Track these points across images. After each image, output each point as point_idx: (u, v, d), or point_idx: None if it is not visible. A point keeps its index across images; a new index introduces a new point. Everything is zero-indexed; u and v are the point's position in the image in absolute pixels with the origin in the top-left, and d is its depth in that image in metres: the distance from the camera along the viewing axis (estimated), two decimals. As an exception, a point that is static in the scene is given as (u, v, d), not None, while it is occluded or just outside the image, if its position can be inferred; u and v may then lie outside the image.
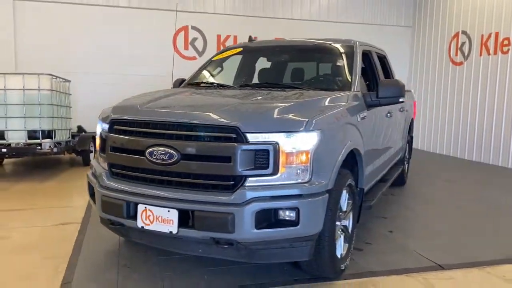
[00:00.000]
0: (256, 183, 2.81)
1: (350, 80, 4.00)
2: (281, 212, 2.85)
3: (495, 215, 5.32)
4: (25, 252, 3.84)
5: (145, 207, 2.96)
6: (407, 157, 6.89)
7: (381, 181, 4.97)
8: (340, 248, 3.39)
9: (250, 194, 2.76)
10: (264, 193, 2.79)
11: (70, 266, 3.50)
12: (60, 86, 7.68)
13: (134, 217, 3.01)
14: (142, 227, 2.98)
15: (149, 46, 10.13)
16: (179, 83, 4.75)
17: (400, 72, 11.67)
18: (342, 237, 3.44)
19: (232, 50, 4.89)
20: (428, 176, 7.77)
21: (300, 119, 2.91)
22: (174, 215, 2.86)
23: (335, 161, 3.04)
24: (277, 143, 2.79)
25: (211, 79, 4.46)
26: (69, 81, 8.16)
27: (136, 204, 3.00)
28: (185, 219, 2.85)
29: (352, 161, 3.66)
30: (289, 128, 2.85)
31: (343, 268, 3.35)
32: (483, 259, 3.79)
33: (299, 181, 2.85)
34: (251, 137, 2.78)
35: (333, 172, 3.01)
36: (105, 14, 9.91)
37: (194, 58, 10.59)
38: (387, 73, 5.87)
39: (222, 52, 4.91)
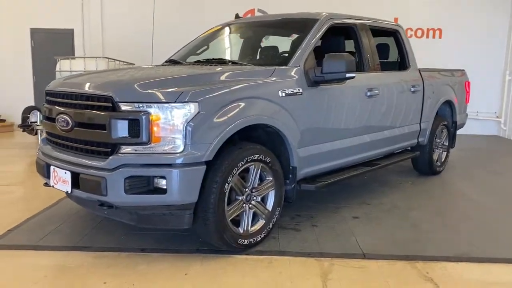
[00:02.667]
0: (130, 151, 2.96)
1: (291, 56, 3.83)
2: (155, 180, 2.97)
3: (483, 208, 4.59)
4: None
5: (54, 168, 3.33)
6: (444, 144, 6.21)
7: (366, 164, 4.64)
8: (246, 223, 3.36)
9: (121, 160, 2.93)
10: (135, 160, 2.93)
11: (30, 218, 4.07)
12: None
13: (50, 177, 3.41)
14: (53, 186, 3.36)
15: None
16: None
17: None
18: (251, 212, 3.40)
19: (214, 28, 4.99)
20: (481, 167, 6.87)
21: (174, 90, 2.97)
22: (68, 176, 3.18)
23: (217, 134, 3.02)
24: (149, 114, 2.90)
25: (183, 57, 4.63)
26: (132, 64, 8.99)
27: (49, 166, 3.39)
28: (76, 180, 3.14)
29: (277, 138, 3.55)
30: (161, 99, 2.93)
31: (245, 243, 3.32)
32: (418, 254, 3.38)
33: (172, 151, 2.93)
34: (124, 106, 2.94)
35: (213, 145, 3.00)
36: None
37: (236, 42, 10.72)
38: (400, 50, 5.37)
39: (207, 31, 5.05)
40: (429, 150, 5.83)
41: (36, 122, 7.41)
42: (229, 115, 3.12)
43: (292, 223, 4.00)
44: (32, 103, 10.43)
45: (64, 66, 8.06)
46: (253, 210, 3.41)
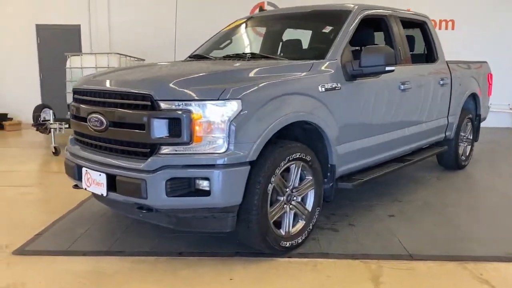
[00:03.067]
0: (170, 152, 2.82)
1: (327, 49, 3.68)
2: (197, 182, 2.83)
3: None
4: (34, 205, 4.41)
5: (86, 170, 3.18)
6: (469, 138, 6.08)
7: (398, 160, 4.51)
8: (287, 225, 3.23)
9: (161, 162, 2.78)
10: (176, 161, 2.79)
11: (57, 220, 3.93)
12: (132, 64, 8.37)
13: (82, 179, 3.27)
14: (85, 188, 3.22)
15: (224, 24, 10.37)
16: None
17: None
18: (292, 213, 3.26)
19: (237, 21, 4.84)
20: (503, 160, 6.75)
21: (216, 87, 2.82)
22: (103, 178, 3.03)
23: (260, 133, 2.88)
24: (190, 112, 2.76)
25: (207, 51, 4.47)
26: (143, 59, 8.83)
27: (81, 167, 3.24)
28: (112, 183, 2.99)
29: (317, 135, 3.42)
30: (203, 97, 2.78)
31: (287, 245, 3.19)
32: (466, 254, 3.26)
33: (214, 151, 2.79)
34: (164, 105, 2.79)
35: (257, 144, 2.86)
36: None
37: (261, 34, 10.55)
38: (428, 42, 5.23)
39: (230, 25, 4.89)
40: (455, 144, 5.70)
41: (49, 120, 7.25)
42: (272, 112, 2.98)
43: (329, 222, 3.87)
44: (39, 101, 10.27)
45: (75, 63, 7.90)
46: (294, 210, 3.28)
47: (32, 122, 7.79)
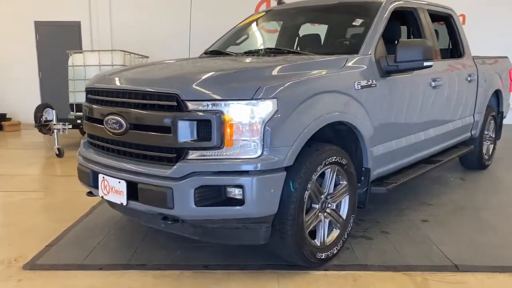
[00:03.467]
0: (198, 157, 2.55)
1: (360, 43, 3.41)
2: (228, 190, 2.57)
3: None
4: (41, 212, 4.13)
5: (103, 177, 2.91)
6: (491, 136, 5.84)
7: (427, 162, 4.26)
8: (322, 234, 2.97)
9: (190, 168, 2.52)
10: (206, 167, 2.53)
11: (68, 229, 3.66)
12: (136, 62, 8.07)
13: (98, 186, 2.99)
14: (102, 196, 2.95)
15: (229, 19, 10.08)
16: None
17: None
18: (327, 222, 3.01)
19: (255, 16, 4.57)
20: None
21: (250, 86, 2.55)
22: (123, 186, 2.77)
23: (297, 135, 2.62)
24: (221, 113, 2.49)
25: (223, 47, 4.20)
26: (146, 57, 8.53)
27: (97, 174, 2.97)
28: (133, 191, 2.73)
29: (350, 136, 3.17)
30: (235, 96, 2.52)
31: (323, 257, 2.93)
32: (516, 264, 3.02)
33: (247, 156, 2.52)
34: (192, 105, 2.52)
35: (293, 147, 2.60)
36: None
37: (275, 30, 10.26)
38: (454, 36, 4.97)
39: (247, 19, 4.62)
40: (480, 143, 5.46)
41: (52, 120, 6.96)
42: (308, 113, 2.72)
43: (360, 230, 3.62)
44: (39, 101, 9.97)
45: (77, 61, 7.59)
46: (329, 219, 3.02)
47: (33, 122, 7.50)
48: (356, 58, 3.26)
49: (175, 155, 2.58)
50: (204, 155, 2.54)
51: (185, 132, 2.52)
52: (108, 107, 2.89)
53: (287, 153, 2.58)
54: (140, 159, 2.75)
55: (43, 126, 6.97)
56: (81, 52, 7.77)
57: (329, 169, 2.94)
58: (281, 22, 4.60)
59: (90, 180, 3.05)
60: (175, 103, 2.54)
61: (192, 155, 2.55)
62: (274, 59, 3.23)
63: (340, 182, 3.09)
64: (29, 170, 5.96)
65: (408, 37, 4.23)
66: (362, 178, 3.30)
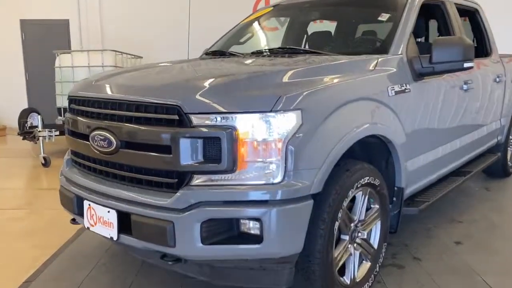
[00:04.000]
0: (205, 182, 2.06)
1: (389, 41, 2.94)
2: (242, 223, 2.09)
3: None
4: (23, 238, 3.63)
5: (89, 204, 2.42)
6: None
7: (454, 174, 3.80)
8: (352, 270, 2.50)
9: (195, 197, 2.03)
10: (215, 196, 2.04)
11: (52, 258, 3.16)
12: (128, 63, 7.56)
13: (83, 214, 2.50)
14: (88, 228, 2.45)
15: (226, 16, 9.58)
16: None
17: None
18: (357, 254, 2.54)
19: (260, 12, 4.08)
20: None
21: (268, 94, 2.07)
22: (113, 217, 2.27)
23: (326, 154, 2.14)
24: (234, 129, 2.01)
25: (226, 47, 3.70)
26: (140, 57, 8.02)
27: (82, 200, 2.48)
28: (125, 223, 2.24)
29: (380, 151, 2.70)
30: (251, 108, 2.03)
31: (354, 296, 2.46)
32: None
33: (266, 181, 2.04)
34: (197, 119, 2.03)
35: (322, 170, 2.12)
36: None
37: (275, 28, 9.76)
38: (480, 33, 4.51)
39: (251, 15, 4.13)
40: (504, 149, 5.01)
41: (37, 127, 6.43)
42: (339, 126, 2.24)
43: (388, 255, 3.13)
44: (26, 104, 9.43)
45: (65, 61, 7.06)
46: (359, 250, 2.55)
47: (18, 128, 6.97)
48: (387, 59, 2.78)
49: (177, 180, 2.09)
50: (212, 181, 2.06)
51: (188, 152, 2.03)
52: (95, 120, 2.39)
53: (314, 177, 2.09)
54: (133, 184, 2.26)
55: (27, 134, 6.44)
56: (68, 52, 7.24)
57: (361, 192, 2.47)
58: (291, 18, 4.11)
59: (74, 206, 2.55)
60: (176, 117, 2.05)
61: (198, 180, 2.06)
62: (292, 60, 2.74)
63: (371, 206, 2.62)
64: (11, 183, 5.43)
65: (441, 34, 3.75)
66: (394, 199, 2.83)
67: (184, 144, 2.02)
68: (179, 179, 2.09)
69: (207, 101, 2.06)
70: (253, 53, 3.30)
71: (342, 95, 2.30)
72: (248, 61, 2.93)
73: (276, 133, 2.03)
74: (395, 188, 2.82)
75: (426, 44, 3.49)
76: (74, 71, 6.97)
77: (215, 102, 2.05)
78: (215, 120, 2.02)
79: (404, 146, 2.75)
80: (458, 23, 3.79)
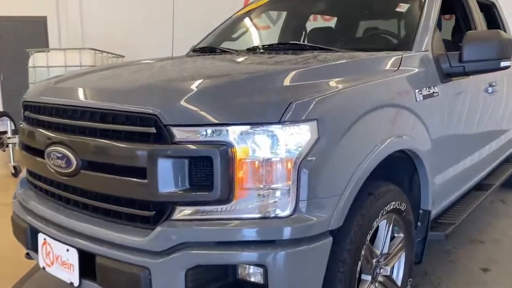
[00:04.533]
0: (192, 216, 1.57)
1: (412, 35, 2.47)
2: (241, 271, 1.60)
3: None
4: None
5: (45, 239, 1.91)
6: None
7: (475, 188, 3.35)
8: (374, 316, 2.02)
9: (179, 236, 1.55)
10: (204, 234, 1.56)
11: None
12: (109, 62, 7.02)
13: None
14: (44, 267, 1.94)
15: (215, 14, 9.07)
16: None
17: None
18: (379, 295, 2.06)
19: (256, 3, 3.60)
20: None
21: (274, 101, 1.59)
22: (74, 257, 1.77)
23: (349, 176, 1.67)
24: (230, 145, 1.52)
25: (217, 43, 3.20)
26: (122, 56, 7.48)
27: (36, 232, 1.97)
28: (89, 266, 1.73)
29: (404, 167, 2.23)
30: (252, 118, 1.55)
31: None
32: None
33: (272, 215, 1.56)
34: (180, 133, 1.54)
35: (344, 197, 1.64)
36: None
37: (267, 27, 9.27)
38: (497, 28, 4.08)
39: (245, 8, 3.65)
40: (522, 157, 4.59)
41: (6, 133, 5.85)
42: (363, 140, 1.76)
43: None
44: (1, 107, 8.81)
45: (39, 61, 6.50)
46: (382, 290, 2.08)
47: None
48: (411, 56, 2.32)
49: (154, 213, 1.60)
50: (202, 214, 1.57)
51: (169, 176, 1.54)
52: (51, 132, 1.88)
53: (334, 208, 1.62)
54: (99, 215, 1.75)
55: (-5, 140, 5.87)
56: (43, 51, 6.67)
57: (385, 220, 2.00)
58: (291, 11, 3.63)
59: (28, 239, 2.04)
60: (153, 130, 1.56)
61: (182, 213, 1.57)
62: (300, 57, 2.26)
63: (395, 235, 2.15)
64: (-25, 196, 4.87)
65: (455, 29, 3.31)
66: (419, 223, 2.37)
67: (164, 166, 1.53)
68: (158, 211, 1.59)
69: (194, 109, 1.57)
70: (249, 49, 2.81)
71: (366, 101, 1.83)
72: (245, 59, 2.43)
73: (286, 151, 1.55)
74: (420, 211, 2.36)
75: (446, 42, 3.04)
76: (49, 71, 6.40)
77: (205, 111, 1.56)
78: (204, 134, 1.54)
79: (432, 159, 2.28)
80: (479, 17, 3.36)
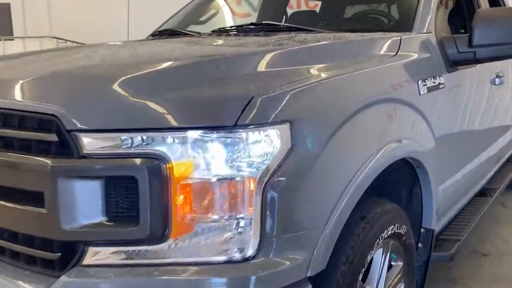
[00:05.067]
0: (112, 261, 1.10)
1: (411, 12, 2.02)
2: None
3: None
4: None
5: None
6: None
7: (478, 194, 2.94)
8: None
9: (92, 289, 1.07)
10: (127, 285, 1.08)
11: None
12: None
13: None
14: None
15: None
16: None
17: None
18: None
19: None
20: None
21: (233, 95, 1.13)
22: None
23: (335, 201, 1.21)
24: (163, 160, 1.05)
25: (182, 25, 2.71)
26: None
27: None
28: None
29: (402, 177, 1.79)
30: (198, 120, 1.08)
31: None
32: None
33: (227, 258, 1.09)
34: (91, 142, 1.06)
35: (328, 230, 1.18)
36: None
37: (248, 14, 8.78)
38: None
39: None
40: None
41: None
42: (353, 149, 1.30)
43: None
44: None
45: (-4, 50, 5.93)
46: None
47: None
48: (411, 38, 1.86)
49: (60, 255, 1.12)
50: (124, 258, 1.10)
51: (76, 204, 1.07)
52: None
53: (315, 245, 1.16)
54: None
55: None
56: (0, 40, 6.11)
57: (381, 249, 1.55)
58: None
59: None
60: (54, 137, 1.08)
61: (96, 257, 1.10)
62: (272, 39, 1.77)
63: (393, 263, 1.70)
64: None
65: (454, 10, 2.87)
66: (420, 245, 1.93)
67: (67, 190, 1.06)
68: (64, 252, 1.12)
69: (111, 107, 1.09)
70: (214, 31, 2.32)
71: (358, 95, 1.36)
72: (203, 42, 1.94)
73: (245, 167, 1.08)
74: (422, 230, 1.92)
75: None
76: (6, 61, 5.84)
77: (128, 110, 1.08)
78: (126, 143, 1.06)
79: (437, 165, 1.84)
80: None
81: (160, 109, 1.08)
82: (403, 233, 1.63)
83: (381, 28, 2.03)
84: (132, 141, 1.05)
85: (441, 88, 1.84)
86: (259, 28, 2.14)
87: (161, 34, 2.63)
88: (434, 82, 1.78)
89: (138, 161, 1.04)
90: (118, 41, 2.36)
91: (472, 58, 1.99)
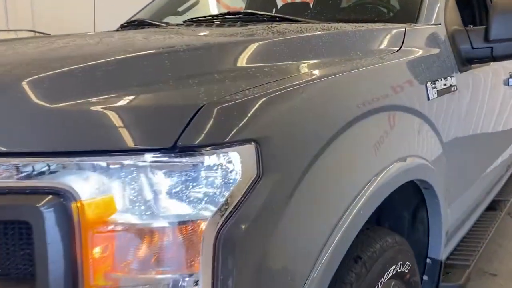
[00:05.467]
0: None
1: (418, 1, 1.70)
2: None
3: None
4: None
5: None
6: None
7: (487, 208, 2.64)
8: None
9: None
10: None
11: None
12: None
13: None
14: None
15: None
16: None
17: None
18: None
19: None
20: None
21: (174, 103, 0.81)
22: None
23: (318, 250, 0.89)
24: (70, 198, 0.72)
25: (156, 17, 2.38)
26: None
27: None
28: None
29: (405, 199, 1.48)
30: (122, 141, 0.75)
31: None
32: None
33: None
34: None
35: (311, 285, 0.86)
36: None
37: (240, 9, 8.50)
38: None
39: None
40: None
41: None
42: (344, 176, 0.98)
43: None
44: None
45: (-30, 44, 5.58)
46: None
47: None
48: (418, 31, 1.54)
49: None
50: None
51: None
52: None
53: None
54: None
55: None
56: (-27, 32, 5.78)
57: (378, 296, 1.23)
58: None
59: None
60: None
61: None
62: (245, 30, 1.44)
63: (393, 308, 1.39)
64: None
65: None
66: (425, 277, 1.62)
67: None
68: None
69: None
70: (185, 21, 1.99)
71: (350, 102, 1.04)
72: (162, 34, 1.60)
73: (190, 206, 0.76)
74: (427, 260, 1.60)
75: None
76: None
77: (20, 127, 0.75)
78: (16, 173, 0.73)
79: (447, 185, 1.53)
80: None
81: (69, 126, 0.76)
82: (406, 271, 1.31)
83: (381, 19, 1.70)
84: (25, 170, 0.73)
85: (453, 91, 1.52)
86: (236, 18, 1.81)
87: (129, 25, 2.30)
88: (445, 84, 1.46)
89: (31, 199, 0.72)
90: (81, 33, 2.02)
91: (489, 55, 1.67)
